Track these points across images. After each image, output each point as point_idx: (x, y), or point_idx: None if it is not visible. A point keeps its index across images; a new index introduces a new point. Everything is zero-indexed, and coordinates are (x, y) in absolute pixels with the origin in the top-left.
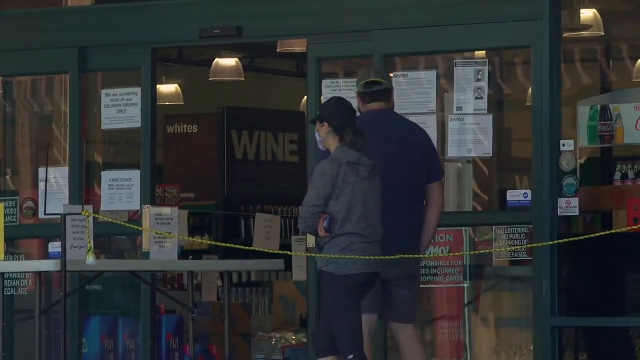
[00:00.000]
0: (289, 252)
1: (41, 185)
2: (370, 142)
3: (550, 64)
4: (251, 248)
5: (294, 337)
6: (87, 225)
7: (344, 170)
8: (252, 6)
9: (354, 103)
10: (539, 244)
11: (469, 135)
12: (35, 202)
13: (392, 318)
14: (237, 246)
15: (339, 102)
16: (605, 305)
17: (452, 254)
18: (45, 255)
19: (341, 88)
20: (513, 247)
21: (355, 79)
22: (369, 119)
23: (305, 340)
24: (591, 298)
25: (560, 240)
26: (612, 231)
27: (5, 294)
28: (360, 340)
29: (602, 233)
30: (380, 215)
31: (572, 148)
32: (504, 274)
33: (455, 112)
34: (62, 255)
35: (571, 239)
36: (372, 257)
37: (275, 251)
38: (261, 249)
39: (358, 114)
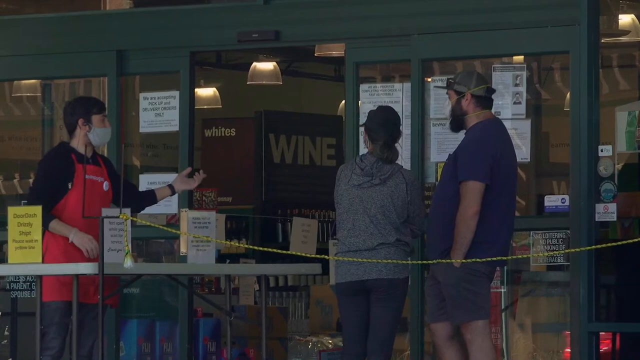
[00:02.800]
0: (326, 257)
1: None
2: (508, 149)
3: (589, 70)
4: (288, 252)
5: (330, 341)
6: (125, 229)
7: (339, 177)
8: (291, 11)
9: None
10: (577, 250)
11: None
12: None
13: None
14: (274, 250)
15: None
16: None
17: (489, 259)
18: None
19: (379, 92)
20: (551, 253)
21: (387, 83)
22: (499, 126)
23: (341, 344)
24: (628, 304)
25: (598, 246)
26: None
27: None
28: (349, 345)
29: None
30: (391, 225)
31: (610, 153)
32: (541, 279)
33: None
34: (100, 259)
35: (609, 244)
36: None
37: (312, 255)
38: (298, 253)
39: (449, 112)
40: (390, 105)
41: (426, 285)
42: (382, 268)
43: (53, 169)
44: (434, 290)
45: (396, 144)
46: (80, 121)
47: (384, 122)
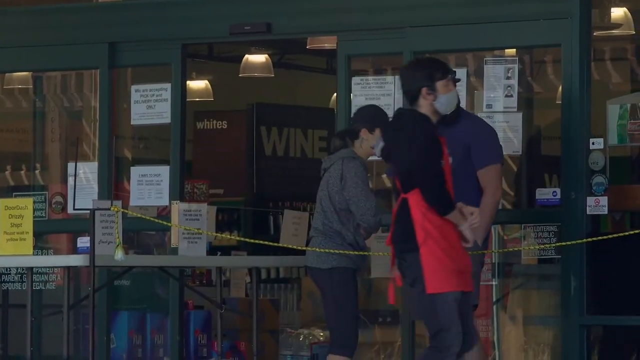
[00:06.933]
0: (316, 249)
1: (70, 180)
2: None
3: (581, 63)
4: (278, 245)
5: (322, 334)
6: (116, 221)
7: None
8: (283, 3)
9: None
10: (568, 243)
11: (499, 133)
12: (65, 197)
13: None
14: (265, 242)
15: None
16: (633, 305)
17: (480, 252)
18: (74, 250)
19: (371, 85)
20: (542, 246)
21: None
22: None
23: None
24: (619, 297)
25: (589, 239)
26: None
27: (34, 288)
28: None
29: (632, 232)
30: (323, 212)
31: (601, 147)
32: (532, 272)
33: (485, 110)
34: (90, 251)
35: (600, 238)
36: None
37: (303, 248)
38: (289, 246)
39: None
40: (382, 97)
41: None
42: (309, 256)
43: (433, 144)
44: None
45: (363, 138)
46: (424, 90)
47: None
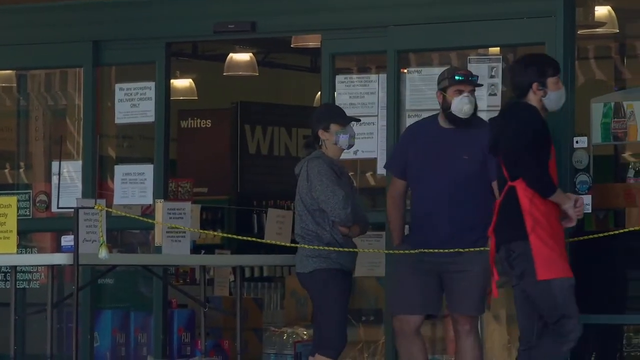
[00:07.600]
0: (305, 246)
1: (54, 179)
2: None
3: (565, 61)
4: (262, 241)
5: (305, 332)
6: (99, 219)
7: None
8: (267, 2)
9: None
10: None
11: None
12: (49, 195)
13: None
14: (248, 239)
15: None
16: (616, 303)
17: (466, 249)
18: (58, 248)
19: (355, 84)
20: None
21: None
22: None
23: None
24: (603, 296)
25: (573, 238)
26: (625, 230)
27: (17, 287)
28: None
29: (616, 232)
30: (299, 217)
31: (585, 145)
32: None
33: None
34: (74, 249)
35: (584, 237)
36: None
37: (288, 245)
38: (273, 242)
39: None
40: (366, 95)
41: (412, 276)
42: (296, 262)
43: (542, 132)
44: (427, 282)
45: (323, 139)
46: (535, 85)
47: None
